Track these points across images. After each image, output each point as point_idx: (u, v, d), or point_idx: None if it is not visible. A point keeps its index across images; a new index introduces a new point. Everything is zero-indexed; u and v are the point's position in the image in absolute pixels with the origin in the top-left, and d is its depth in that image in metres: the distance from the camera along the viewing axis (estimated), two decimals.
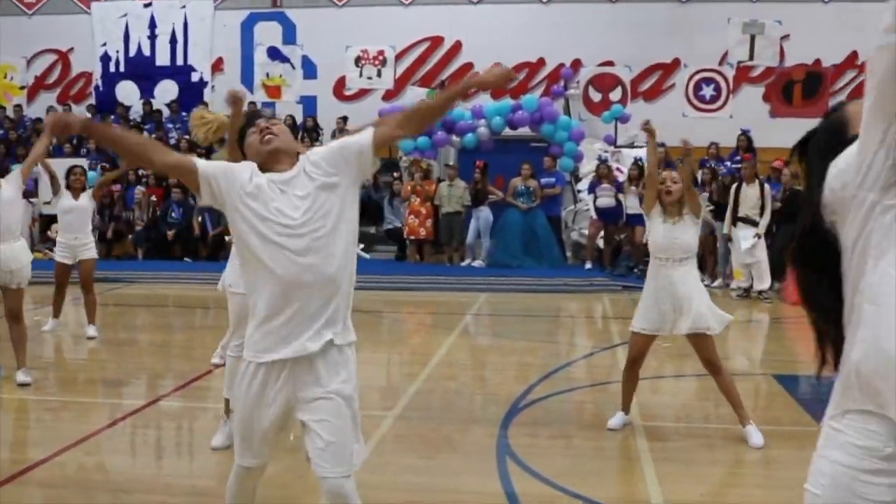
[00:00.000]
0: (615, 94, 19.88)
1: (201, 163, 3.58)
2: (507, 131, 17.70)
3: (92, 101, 21.97)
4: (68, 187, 10.36)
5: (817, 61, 19.27)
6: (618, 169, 16.70)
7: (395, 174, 17.91)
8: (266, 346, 3.52)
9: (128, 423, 6.81)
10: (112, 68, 22.11)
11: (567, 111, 19.08)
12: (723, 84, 19.77)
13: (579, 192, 17.49)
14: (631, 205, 15.33)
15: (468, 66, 20.40)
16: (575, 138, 17.47)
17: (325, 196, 3.51)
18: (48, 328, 10.49)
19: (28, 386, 7.76)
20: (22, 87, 22.53)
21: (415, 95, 19.57)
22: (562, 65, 19.99)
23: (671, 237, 6.20)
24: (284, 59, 21.17)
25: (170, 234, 17.48)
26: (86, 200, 10.40)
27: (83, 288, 10.44)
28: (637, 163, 16.23)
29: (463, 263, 16.62)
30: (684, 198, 6.23)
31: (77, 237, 10.27)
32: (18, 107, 22.02)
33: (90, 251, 10.42)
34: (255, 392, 3.57)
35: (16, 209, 7.97)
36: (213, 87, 21.51)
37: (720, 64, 19.72)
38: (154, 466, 5.99)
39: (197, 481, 5.41)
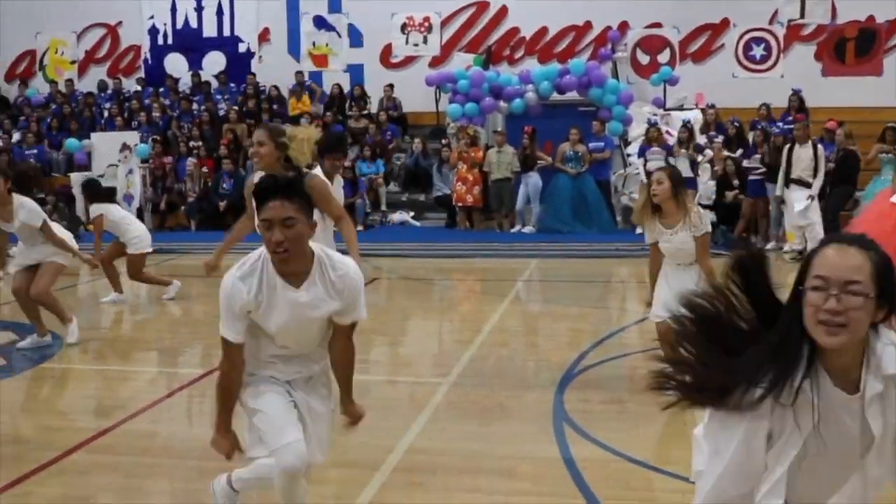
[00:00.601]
0: (663, 56, 19.63)
1: (231, 335, 3.68)
2: (555, 96, 17.57)
3: (141, 73, 22.15)
4: None
5: (870, 17, 18.89)
6: (667, 132, 16.54)
7: (443, 141, 17.87)
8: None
9: (185, 393, 6.94)
10: (160, 41, 22.25)
11: (615, 74, 18.90)
12: (773, 43, 19.46)
13: (629, 155, 17.35)
14: (681, 168, 15.18)
15: (514, 31, 20.29)
16: (623, 102, 17.33)
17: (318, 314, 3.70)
18: (108, 300, 10.70)
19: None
20: (73, 62, 22.76)
21: (461, 61, 19.54)
22: (609, 27, 19.78)
23: (675, 246, 6.26)
24: (330, 28, 21.16)
25: (221, 205, 17.61)
26: None
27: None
28: (686, 125, 16.09)
29: (513, 230, 16.61)
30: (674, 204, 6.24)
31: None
32: (70, 81, 22.25)
33: (131, 246, 10.62)
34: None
35: None
36: (259, 57, 21.59)
37: (770, 23, 19.39)
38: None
39: None
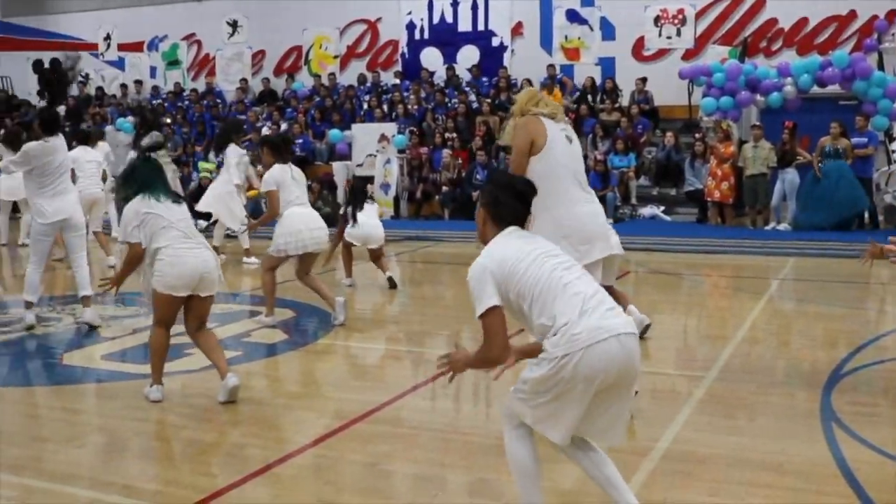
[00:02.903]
0: None
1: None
2: (815, 89, 17.00)
3: (398, 67, 23.05)
4: None
5: None
6: None
7: (697, 135, 17.65)
8: None
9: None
10: (417, 35, 23.09)
11: (881, 66, 18.04)
12: None
13: (894, 152, 16.57)
14: None
15: (772, 22, 19.78)
16: (890, 95, 16.52)
17: None
18: (347, 283, 11.29)
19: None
20: (335, 57, 24.03)
21: (716, 54, 19.24)
22: (875, 17, 18.94)
23: None
24: (583, 21, 21.30)
25: (474, 195, 18.09)
26: None
27: None
28: None
29: (767, 227, 16.22)
30: None
31: None
32: (332, 75, 23.48)
33: None
34: None
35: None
36: (512, 51, 21.99)
37: None
38: (481, 412, 6.39)
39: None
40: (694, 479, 4.84)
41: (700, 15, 20.42)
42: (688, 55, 20.27)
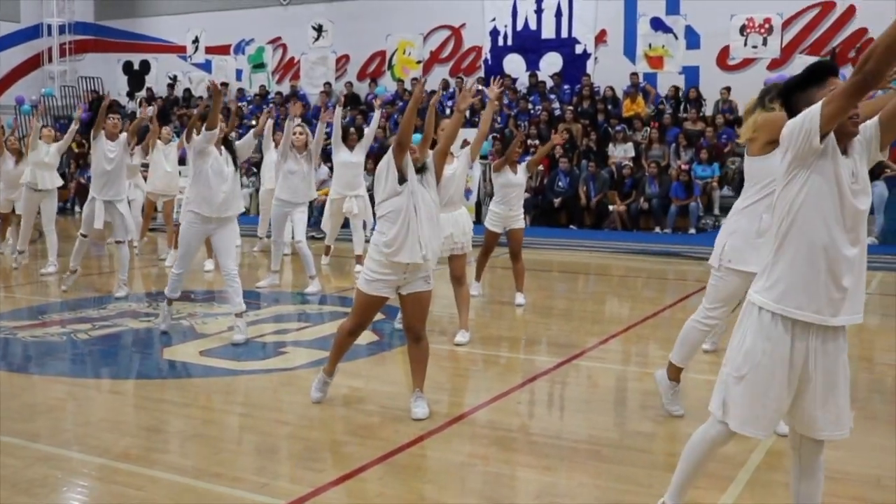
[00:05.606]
0: None
1: None
2: None
3: (481, 73, 23.17)
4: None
5: None
6: None
7: None
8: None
9: (544, 380, 7.36)
10: (500, 42, 23.20)
11: None
12: None
13: None
14: None
15: (861, 32, 19.50)
16: None
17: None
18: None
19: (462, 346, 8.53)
20: (418, 62, 24.24)
21: (803, 64, 18.95)
22: None
23: None
24: (667, 30, 21.22)
25: (556, 202, 18.17)
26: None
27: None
28: None
29: None
30: None
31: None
32: (415, 80, 23.65)
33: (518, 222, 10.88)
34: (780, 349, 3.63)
35: (457, 182, 8.77)
36: (595, 58, 21.98)
37: None
38: (573, 417, 6.47)
39: (631, 439, 5.81)
40: (830, 495, 4.84)
41: (787, 24, 20.22)
42: (774, 65, 20.08)
